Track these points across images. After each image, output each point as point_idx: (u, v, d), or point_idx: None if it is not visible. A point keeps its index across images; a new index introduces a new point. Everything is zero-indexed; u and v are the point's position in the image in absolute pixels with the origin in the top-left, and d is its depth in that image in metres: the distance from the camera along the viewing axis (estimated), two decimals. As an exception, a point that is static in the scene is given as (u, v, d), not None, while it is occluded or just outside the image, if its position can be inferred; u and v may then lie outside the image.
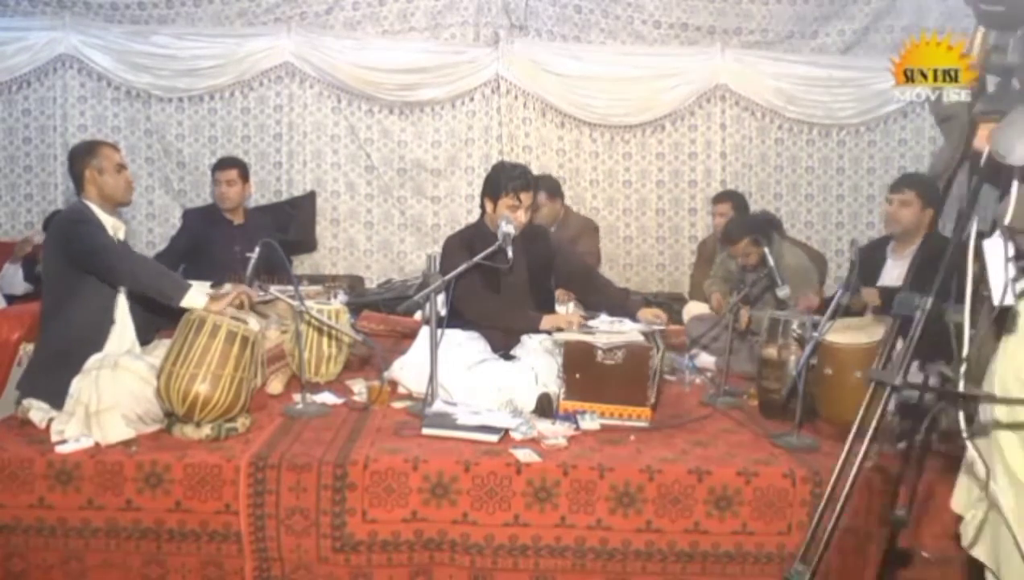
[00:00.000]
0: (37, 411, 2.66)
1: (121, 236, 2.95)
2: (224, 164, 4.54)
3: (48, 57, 5.45)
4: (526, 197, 3.31)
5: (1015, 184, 1.69)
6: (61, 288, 2.78)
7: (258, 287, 3.30)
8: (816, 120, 5.83)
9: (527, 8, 5.75)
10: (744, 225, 3.94)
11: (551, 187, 4.82)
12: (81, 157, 2.90)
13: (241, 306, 2.84)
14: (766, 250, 3.24)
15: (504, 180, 3.32)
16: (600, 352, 2.85)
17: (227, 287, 3.65)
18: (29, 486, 2.37)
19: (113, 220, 2.92)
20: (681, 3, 5.78)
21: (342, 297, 4.09)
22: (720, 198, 4.84)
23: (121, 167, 2.94)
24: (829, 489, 1.99)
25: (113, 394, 2.53)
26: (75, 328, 2.74)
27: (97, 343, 2.77)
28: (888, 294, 3.16)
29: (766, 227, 3.90)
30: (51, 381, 2.66)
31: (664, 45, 5.81)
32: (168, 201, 5.69)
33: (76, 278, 2.76)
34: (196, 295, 2.73)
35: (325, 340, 3.32)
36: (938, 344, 3.27)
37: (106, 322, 2.81)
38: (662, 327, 3.14)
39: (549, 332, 3.17)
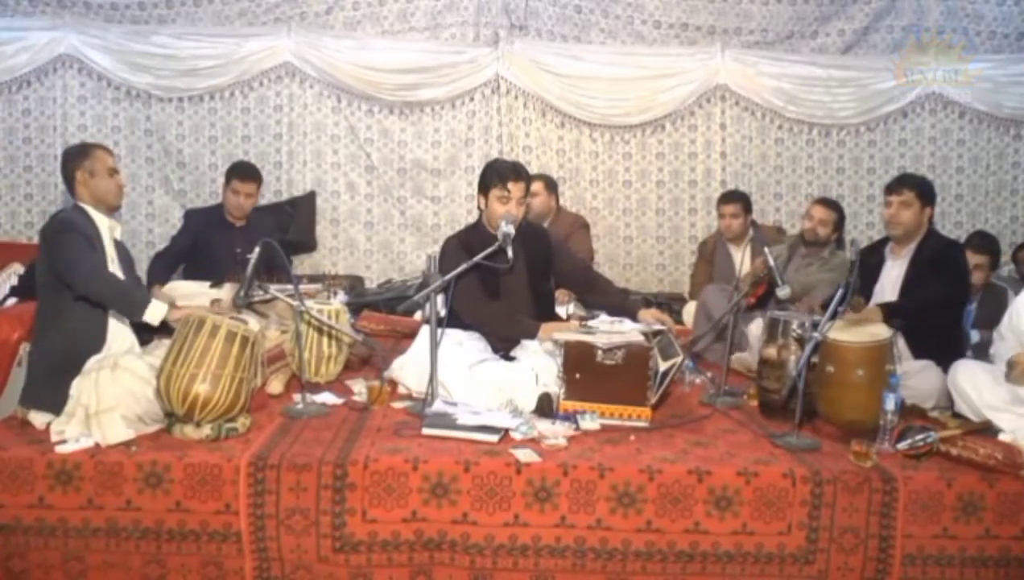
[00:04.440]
0: (38, 415, 2.66)
1: (117, 236, 2.95)
2: (246, 176, 4.46)
3: (48, 57, 5.43)
4: (515, 187, 3.28)
5: None
6: (54, 295, 2.77)
7: (258, 287, 3.30)
8: (816, 120, 5.82)
9: (527, 8, 5.74)
10: (843, 212, 4.42)
11: (550, 181, 4.98)
12: (73, 158, 2.89)
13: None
14: (767, 250, 3.24)
15: (492, 173, 3.33)
16: (600, 352, 2.85)
17: (227, 287, 3.67)
18: (29, 486, 2.37)
19: (109, 221, 2.91)
20: (681, 3, 5.77)
21: (342, 297, 4.09)
22: (729, 199, 4.84)
23: (113, 171, 2.92)
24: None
25: (113, 394, 2.53)
26: (72, 334, 2.74)
27: (94, 346, 2.76)
28: (889, 310, 3.15)
29: (842, 234, 4.48)
30: (52, 390, 2.65)
31: (664, 45, 5.81)
32: (168, 201, 5.68)
33: (65, 286, 2.75)
34: (155, 310, 2.74)
35: (325, 340, 3.32)
36: (939, 342, 3.30)
37: (101, 325, 2.81)
38: (663, 328, 3.14)
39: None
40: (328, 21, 5.69)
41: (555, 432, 2.66)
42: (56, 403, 2.63)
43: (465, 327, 3.32)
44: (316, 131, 5.74)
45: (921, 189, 3.41)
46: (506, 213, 3.22)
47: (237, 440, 2.57)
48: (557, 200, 5.04)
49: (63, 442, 2.47)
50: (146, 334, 2.97)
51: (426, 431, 2.64)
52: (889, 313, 3.13)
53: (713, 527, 2.40)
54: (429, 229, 5.82)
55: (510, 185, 3.27)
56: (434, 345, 2.84)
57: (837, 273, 4.07)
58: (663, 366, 2.91)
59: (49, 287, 2.79)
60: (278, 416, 2.86)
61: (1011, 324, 3.00)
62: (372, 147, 5.78)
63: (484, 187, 3.36)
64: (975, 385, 2.87)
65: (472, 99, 5.77)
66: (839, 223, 4.28)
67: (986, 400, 2.82)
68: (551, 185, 4.96)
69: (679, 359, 3.04)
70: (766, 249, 3.26)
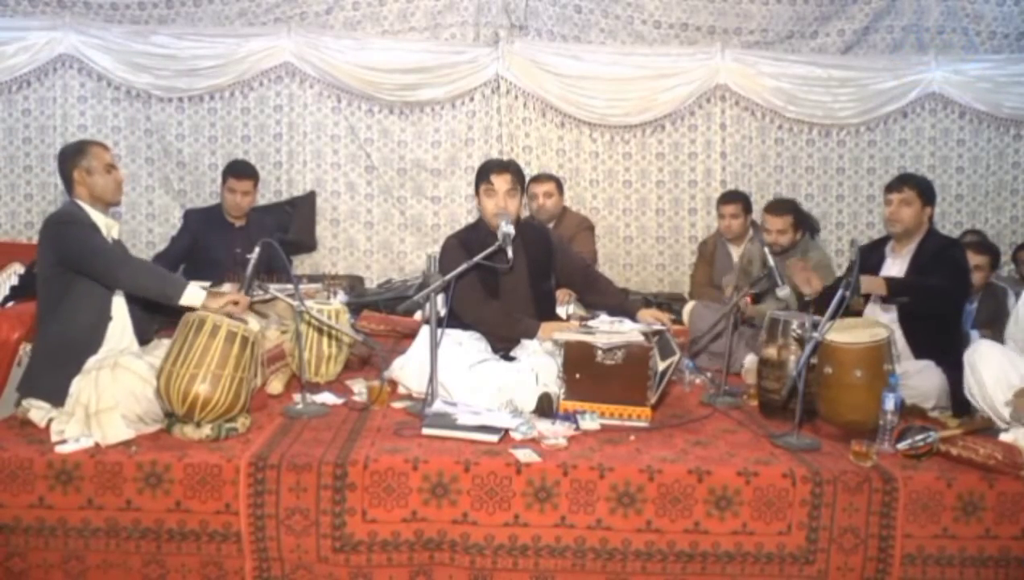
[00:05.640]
0: (37, 411, 2.65)
1: (115, 235, 2.95)
2: (241, 173, 4.44)
3: (48, 57, 5.44)
4: (499, 179, 3.31)
5: None
6: (55, 289, 2.77)
7: (258, 287, 3.30)
8: (816, 120, 5.83)
9: (527, 8, 5.75)
10: (793, 205, 4.15)
11: (559, 182, 4.97)
12: (70, 157, 2.88)
13: (235, 304, 2.83)
14: (766, 250, 3.24)
15: (479, 171, 3.41)
16: (600, 352, 2.85)
17: (226, 287, 3.66)
18: (29, 486, 2.37)
19: (106, 219, 2.91)
20: (681, 3, 5.78)
21: (342, 297, 4.09)
22: (729, 199, 4.84)
23: (111, 167, 2.91)
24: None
25: (113, 394, 2.53)
26: (72, 327, 2.74)
27: (95, 341, 2.77)
28: (894, 285, 3.16)
29: (809, 221, 4.18)
30: (50, 380, 2.66)
31: (664, 45, 5.82)
32: (168, 201, 5.68)
33: (69, 278, 2.75)
34: (194, 292, 2.75)
35: (325, 340, 3.32)
36: (939, 341, 3.30)
37: (103, 319, 2.81)
38: (663, 327, 3.14)
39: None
40: (328, 21, 5.69)
41: (555, 432, 2.66)
42: (54, 393, 2.63)
43: (465, 327, 3.32)
44: (316, 131, 5.75)
45: (922, 188, 3.43)
46: (496, 208, 3.27)
47: (237, 440, 2.57)
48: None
49: (63, 442, 2.47)
50: (148, 333, 2.97)
51: (426, 431, 2.64)
52: (892, 287, 3.12)
53: (713, 527, 2.40)
54: (429, 229, 5.83)
55: (493, 177, 3.31)
56: (434, 345, 2.84)
57: (822, 266, 3.95)
58: (661, 366, 2.92)
59: (50, 280, 2.79)
60: (278, 416, 2.86)
61: (1018, 323, 3.00)
62: (372, 147, 5.78)
63: (476, 187, 3.43)
64: (991, 368, 2.82)
65: (472, 99, 5.77)
66: (797, 222, 4.06)
67: (1002, 385, 2.78)
68: (560, 186, 4.96)
69: (676, 357, 3.04)
70: (765, 249, 3.26)
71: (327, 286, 4.14)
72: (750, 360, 3.62)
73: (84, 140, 3.05)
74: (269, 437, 2.61)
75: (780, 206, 4.13)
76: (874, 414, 2.67)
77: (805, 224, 4.13)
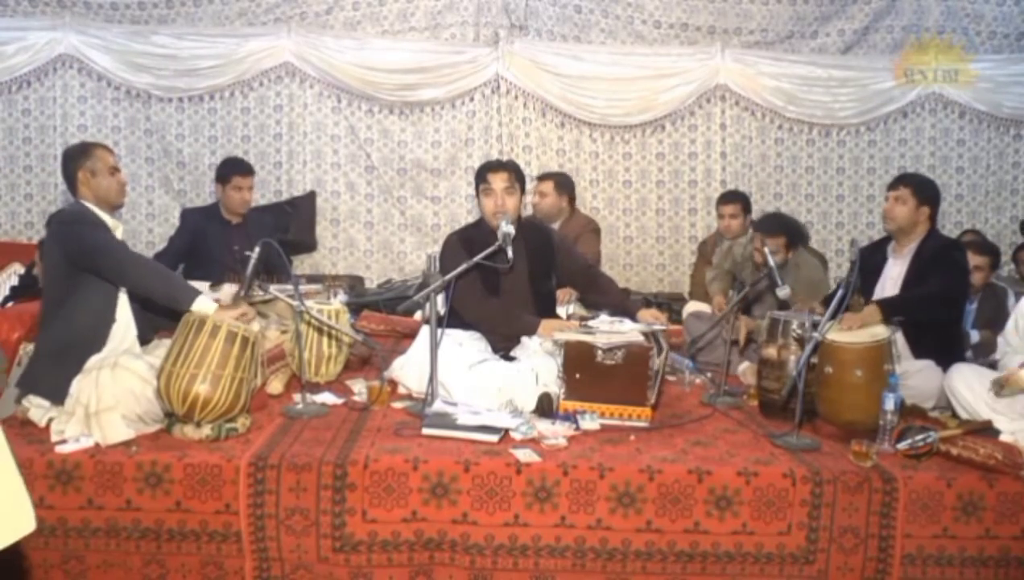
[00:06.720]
0: (37, 410, 2.65)
1: (119, 235, 2.95)
2: (247, 170, 4.42)
3: (48, 57, 5.45)
4: (495, 177, 3.36)
5: None
6: (61, 287, 2.77)
7: (258, 287, 3.29)
8: (816, 120, 5.83)
9: (527, 8, 5.75)
10: (785, 224, 4.02)
11: (561, 181, 4.87)
12: (74, 159, 2.88)
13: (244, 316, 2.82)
14: (767, 250, 3.24)
15: (478, 171, 3.48)
16: (600, 352, 2.85)
17: (226, 286, 3.66)
18: (29, 486, 2.32)
19: (111, 220, 2.91)
20: (681, 3, 5.78)
21: (342, 297, 4.09)
22: (728, 199, 4.83)
23: (115, 169, 2.91)
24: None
25: (113, 394, 2.53)
26: (76, 326, 2.74)
27: (98, 341, 2.76)
28: (888, 309, 3.16)
29: (801, 237, 4.06)
30: (51, 377, 2.66)
31: (664, 45, 5.82)
32: (168, 201, 5.69)
33: (76, 277, 2.74)
34: (205, 301, 2.71)
35: (325, 340, 3.32)
36: (939, 341, 3.30)
37: (107, 320, 2.81)
38: (663, 327, 3.15)
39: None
40: (328, 21, 5.70)
41: (555, 432, 2.66)
42: (54, 391, 2.63)
43: (465, 327, 3.32)
44: (316, 131, 5.75)
45: (917, 186, 3.43)
46: (495, 207, 3.33)
47: (237, 440, 2.57)
48: (572, 201, 4.90)
49: (63, 442, 2.47)
50: (148, 333, 2.97)
51: (426, 431, 2.64)
52: (887, 311, 3.12)
53: (713, 527, 2.40)
54: (429, 229, 5.83)
55: (489, 176, 3.37)
56: (434, 345, 2.84)
57: (813, 283, 3.91)
58: (656, 364, 2.92)
59: (56, 280, 2.79)
60: (278, 416, 2.86)
61: (1018, 330, 3.00)
62: (372, 147, 5.78)
63: (476, 188, 3.49)
64: (971, 388, 2.88)
65: (472, 99, 5.77)
66: (790, 241, 3.92)
67: (982, 404, 2.82)
68: (562, 185, 4.82)
69: (665, 352, 3.04)
70: (767, 250, 3.26)
71: (327, 286, 4.14)
72: (746, 366, 3.63)
73: (88, 142, 3.05)
74: (269, 437, 2.61)
75: (771, 225, 3.97)
76: (874, 414, 2.67)
77: (796, 239, 4.01)
